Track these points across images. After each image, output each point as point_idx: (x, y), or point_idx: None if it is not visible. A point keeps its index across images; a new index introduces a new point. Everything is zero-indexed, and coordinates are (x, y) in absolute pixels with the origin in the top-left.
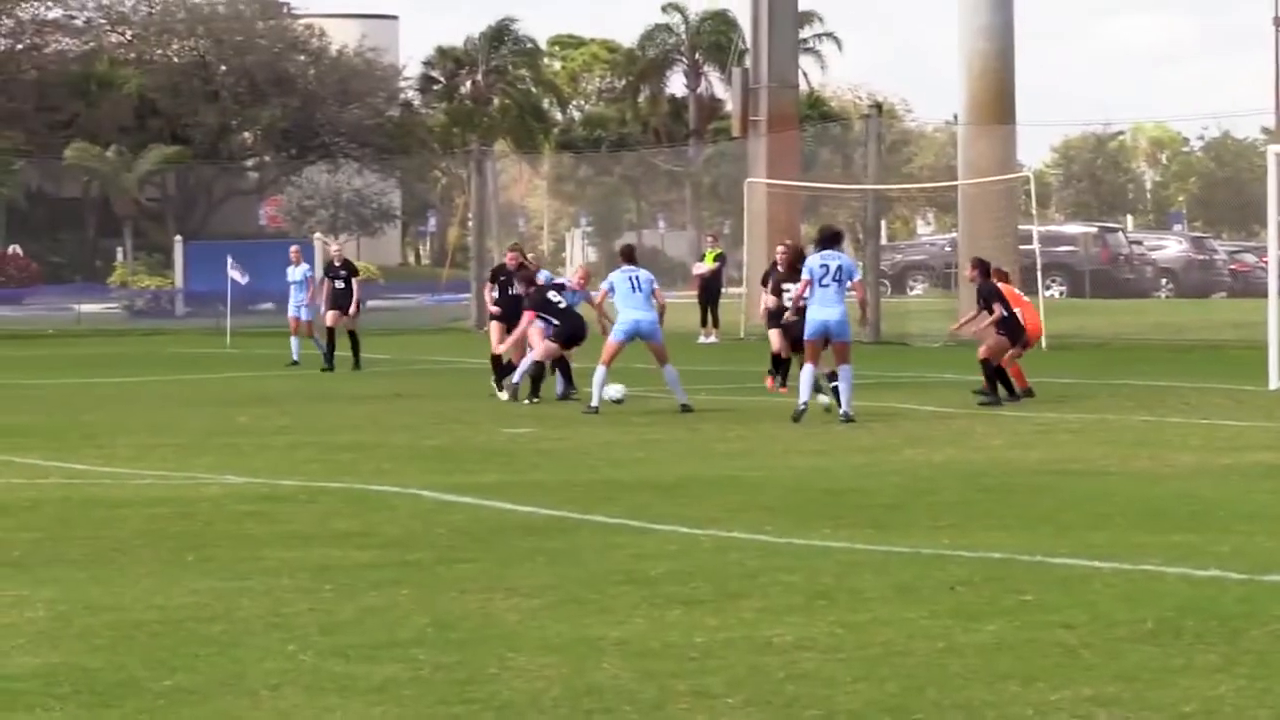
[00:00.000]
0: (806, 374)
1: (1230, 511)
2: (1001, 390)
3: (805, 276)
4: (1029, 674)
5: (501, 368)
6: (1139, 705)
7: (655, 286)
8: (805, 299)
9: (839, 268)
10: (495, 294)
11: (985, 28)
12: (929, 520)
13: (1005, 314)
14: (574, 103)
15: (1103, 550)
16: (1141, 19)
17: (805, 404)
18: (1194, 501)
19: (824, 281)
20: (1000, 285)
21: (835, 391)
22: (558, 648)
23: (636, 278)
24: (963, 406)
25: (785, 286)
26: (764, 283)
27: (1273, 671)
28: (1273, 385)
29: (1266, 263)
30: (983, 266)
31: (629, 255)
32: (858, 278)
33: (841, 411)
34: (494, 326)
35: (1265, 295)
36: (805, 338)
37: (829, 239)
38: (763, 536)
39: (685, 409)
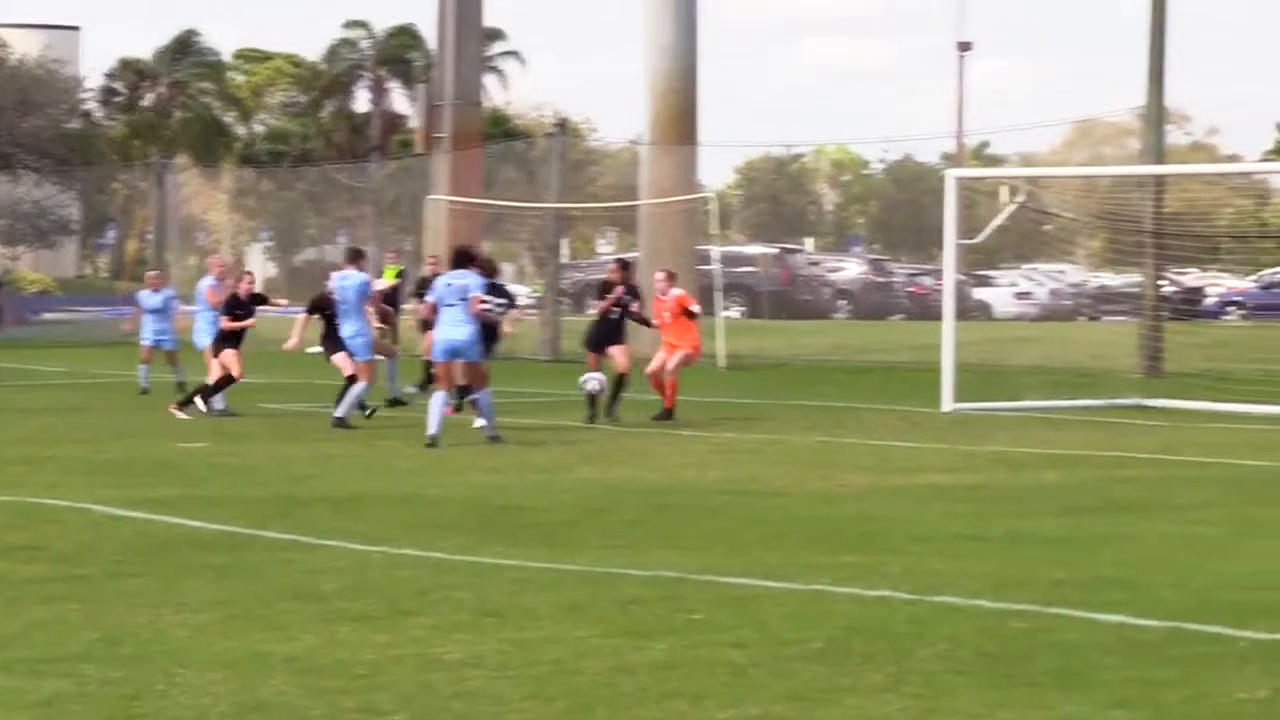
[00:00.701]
0: (436, 400)
1: (901, 532)
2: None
3: (429, 298)
4: (698, 692)
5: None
6: None
7: (472, 294)
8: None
9: (464, 287)
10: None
11: (668, 47)
12: (602, 539)
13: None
14: (257, 116)
15: (774, 570)
16: (828, 42)
17: (436, 433)
18: (866, 522)
19: (448, 301)
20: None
21: (474, 404)
22: (227, 663)
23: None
24: (640, 425)
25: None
26: (418, 294)
27: (939, 691)
28: (945, 407)
29: (943, 286)
30: (672, 278)
31: (458, 258)
32: (473, 295)
33: (488, 433)
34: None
35: (941, 318)
36: (435, 359)
37: (459, 259)
38: (435, 554)
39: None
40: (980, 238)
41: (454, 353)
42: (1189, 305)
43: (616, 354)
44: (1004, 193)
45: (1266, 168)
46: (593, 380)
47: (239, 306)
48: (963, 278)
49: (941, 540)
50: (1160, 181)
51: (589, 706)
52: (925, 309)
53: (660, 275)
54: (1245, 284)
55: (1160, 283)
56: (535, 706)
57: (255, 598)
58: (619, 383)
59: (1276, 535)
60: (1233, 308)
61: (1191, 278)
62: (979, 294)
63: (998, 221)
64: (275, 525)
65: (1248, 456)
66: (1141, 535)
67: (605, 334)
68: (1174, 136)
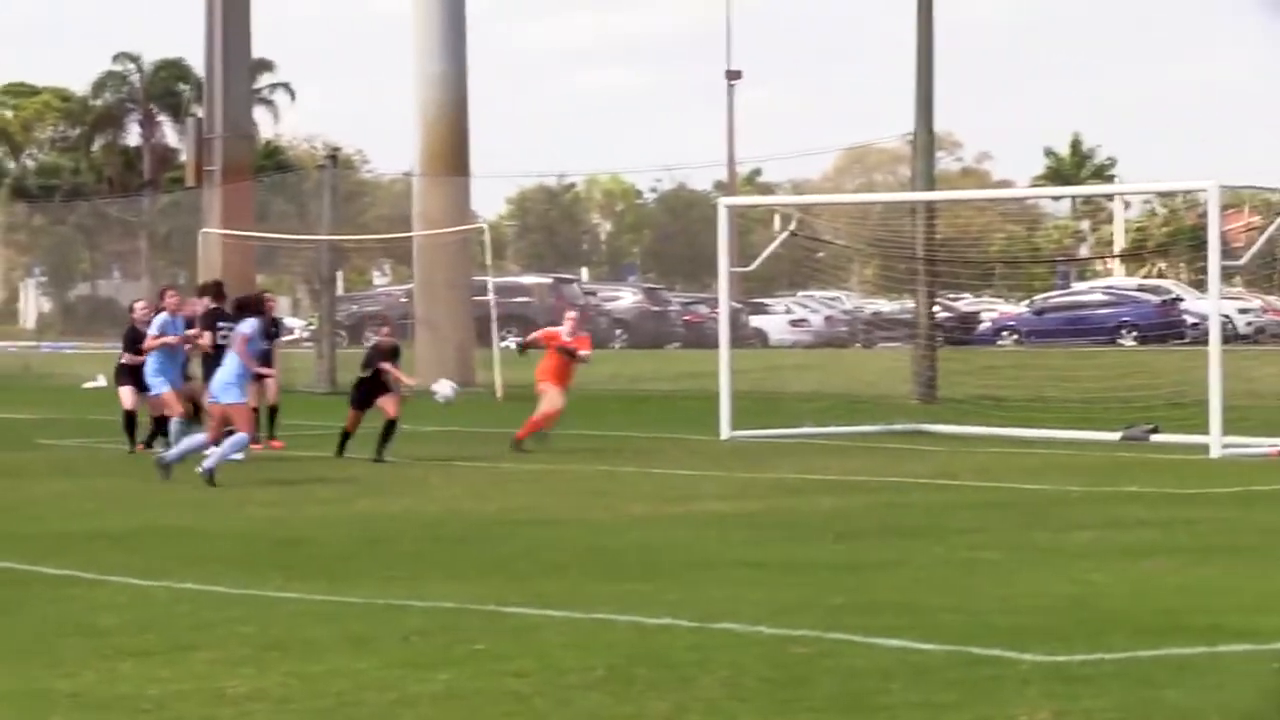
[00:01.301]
0: (193, 438)
1: (681, 560)
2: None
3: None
4: None
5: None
6: None
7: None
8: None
9: (235, 329)
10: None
11: (438, 77)
12: (382, 570)
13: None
14: (27, 151)
15: (555, 599)
16: (602, 73)
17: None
18: (646, 551)
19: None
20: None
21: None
22: (5, 699)
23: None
24: (421, 457)
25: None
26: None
27: (721, 717)
28: (723, 435)
29: (718, 314)
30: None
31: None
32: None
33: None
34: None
35: (717, 346)
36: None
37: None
38: (216, 587)
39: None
40: (754, 265)
41: (220, 392)
42: (963, 331)
43: (386, 402)
44: (777, 220)
45: (1037, 193)
46: (445, 387)
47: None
48: (738, 305)
49: (721, 567)
50: (931, 208)
51: None
52: (701, 337)
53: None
54: (1018, 309)
55: (933, 309)
56: None
57: (34, 634)
58: (389, 428)
59: (1053, 558)
60: (1006, 333)
61: (965, 304)
62: (755, 321)
63: (771, 249)
64: (52, 561)
65: (1023, 480)
66: (920, 560)
67: (372, 389)
68: (945, 162)
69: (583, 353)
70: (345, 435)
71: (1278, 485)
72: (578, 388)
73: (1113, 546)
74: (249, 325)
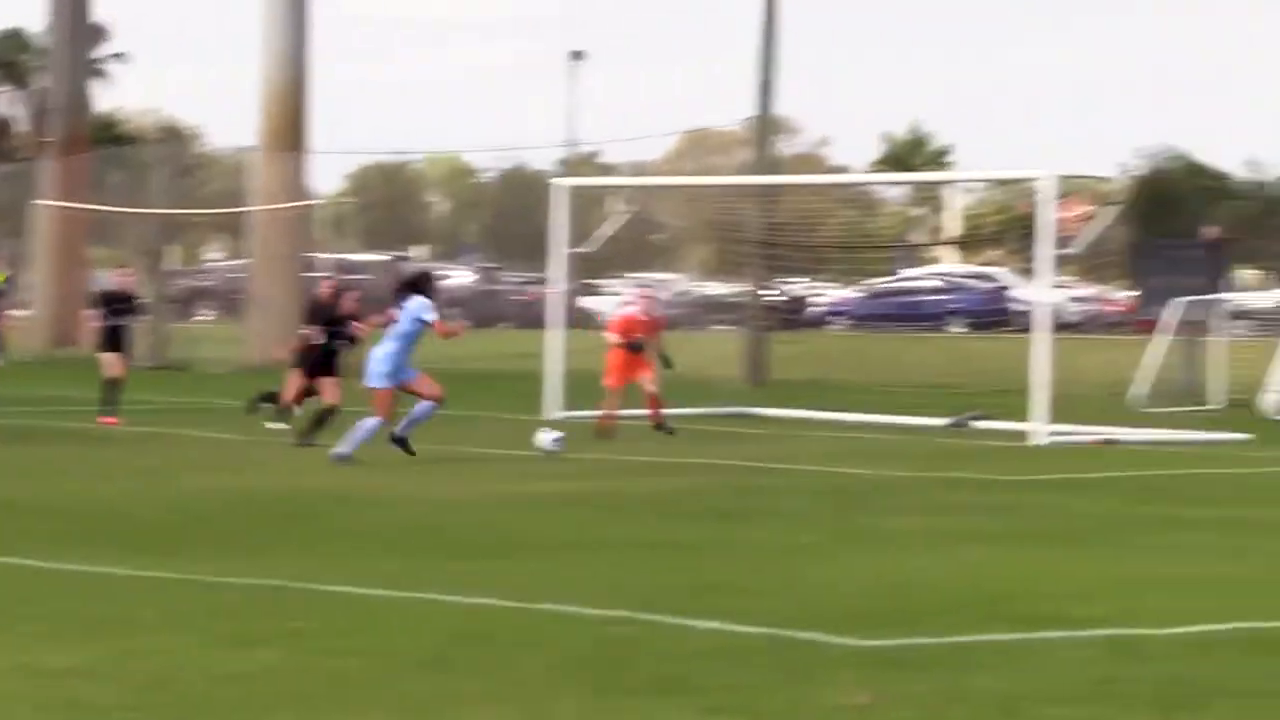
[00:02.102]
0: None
1: (507, 540)
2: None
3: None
4: (304, 702)
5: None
6: None
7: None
8: None
9: None
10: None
11: (280, 54)
12: (207, 546)
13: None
14: None
15: (383, 578)
16: (444, 50)
17: None
18: (472, 530)
19: None
20: None
21: None
22: None
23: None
24: (247, 432)
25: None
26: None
27: (543, 699)
28: (553, 415)
29: (551, 294)
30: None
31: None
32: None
33: None
34: None
35: (551, 326)
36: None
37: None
38: (35, 561)
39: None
40: (590, 246)
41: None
42: (795, 314)
43: (327, 385)
44: (614, 202)
45: (873, 179)
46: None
47: None
48: (572, 286)
49: (547, 548)
50: (768, 192)
51: (191, 716)
52: (534, 318)
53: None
54: (851, 294)
55: (767, 292)
56: (138, 716)
57: None
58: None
59: (874, 543)
60: (838, 317)
61: (799, 287)
62: (588, 303)
63: (608, 230)
64: None
65: (848, 465)
66: (743, 543)
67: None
68: (783, 147)
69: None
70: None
71: (1101, 473)
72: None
73: (935, 532)
74: (418, 305)
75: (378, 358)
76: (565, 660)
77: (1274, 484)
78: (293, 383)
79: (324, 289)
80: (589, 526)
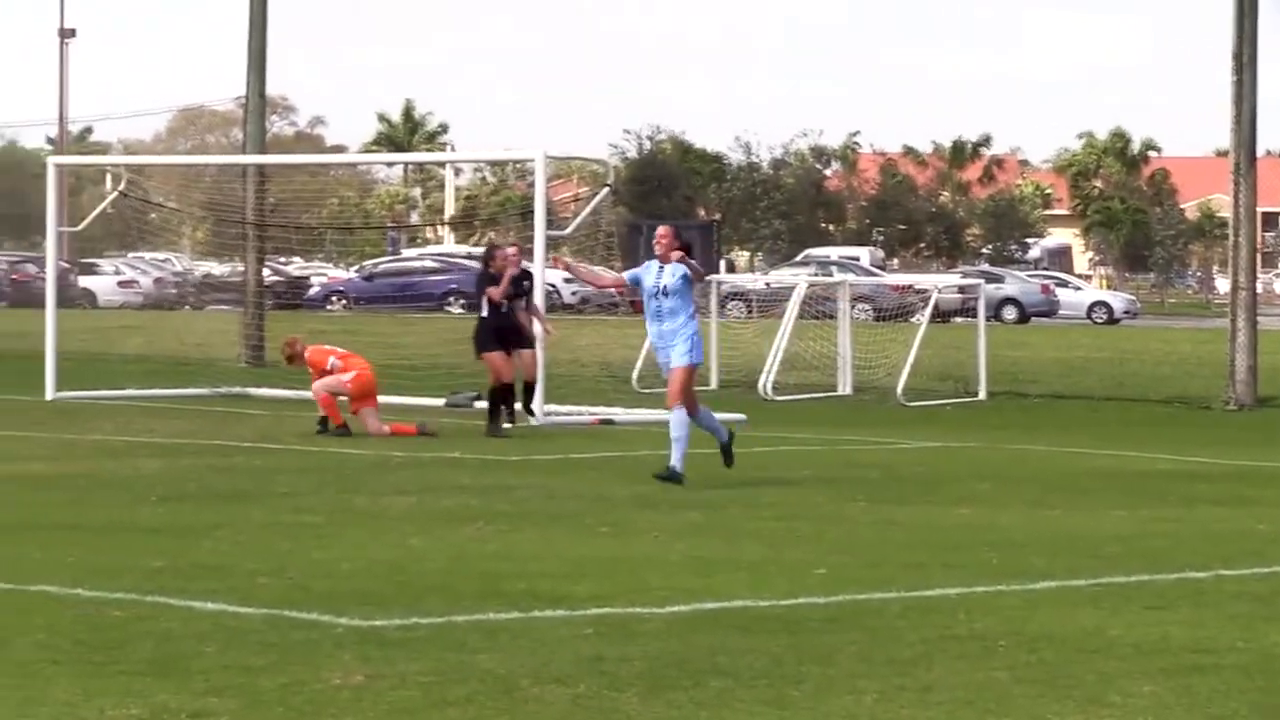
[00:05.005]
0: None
1: None
2: None
3: None
4: None
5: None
6: None
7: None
8: None
9: None
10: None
11: None
12: None
13: None
14: None
15: None
16: None
17: None
18: None
19: None
20: None
21: None
22: None
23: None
24: None
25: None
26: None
27: (36, 681)
28: (48, 395)
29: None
30: None
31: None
32: None
33: None
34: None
35: (44, 305)
36: None
37: None
38: None
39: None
40: (83, 225)
41: None
42: (293, 295)
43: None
44: (108, 180)
45: (369, 159)
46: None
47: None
48: (66, 265)
49: (41, 529)
50: (263, 171)
51: None
52: (29, 296)
53: None
54: (348, 274)
55: (263, 272)
56: None
57: None
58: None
59: (373, 523)
60: (336, 298)
61: (295, 268)
62: (84, 282)
63: (100, 209)
64: None
65: (345, 445)
66: (242, 523)
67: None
68: (279, 126)
69: None
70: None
71: (596, 453)
72: None
73: (432, 512)
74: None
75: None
76: (60, 642)
77: (766, 463)
78: None
79: None
80: (83, 508)
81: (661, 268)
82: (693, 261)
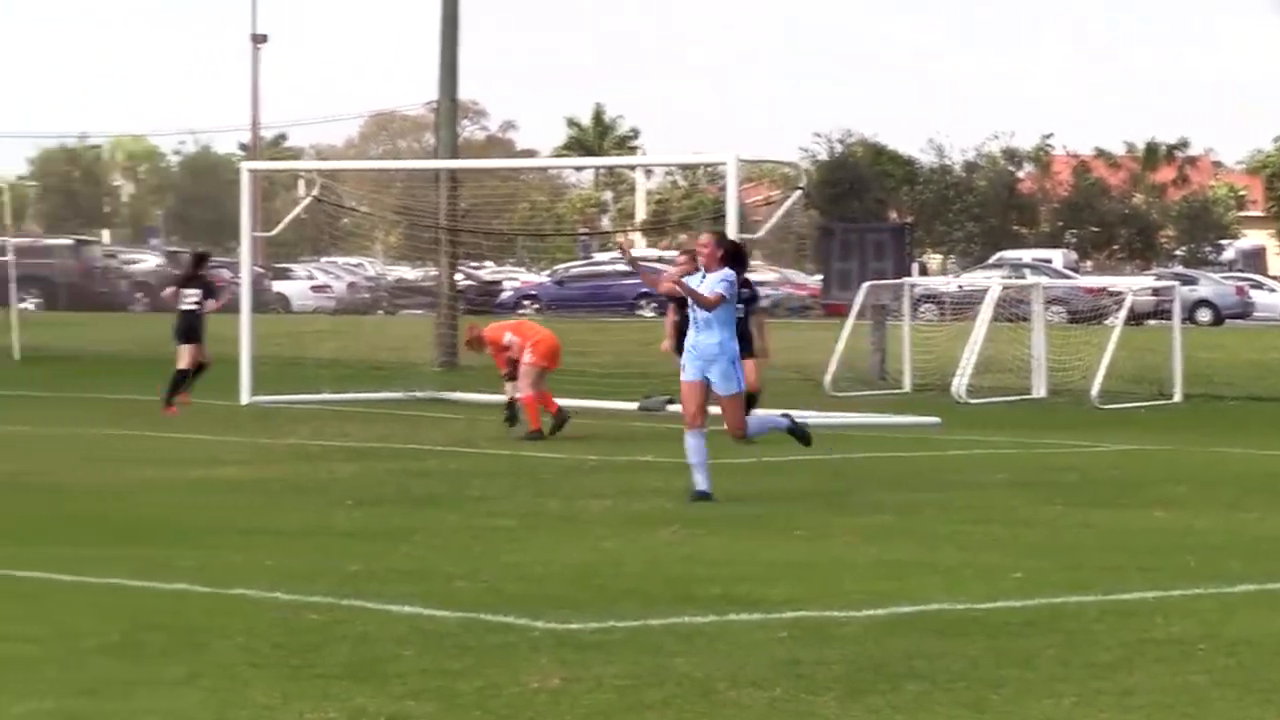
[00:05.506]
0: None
1: (197, 525)
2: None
3: None
4: None
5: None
6: (102, 716)
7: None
8: None
9: None
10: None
11: None
12: None
13: None
14: None
15: (66, 564)
16: (127, 31)
17: None
18: (162, 515)
19: None
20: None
21: None
22: None
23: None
24: None
25: None
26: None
27: (235, 684)
28: (244, 400)
29: (240, 278)
30: None
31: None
32: None
33: None
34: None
35: (239, 310)
36: None
37: None
38: None
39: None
40: (276, 230)
41: None
42: (485, 299)
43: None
44: (301, 186)
45: (560, 163)
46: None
47: None
48: (260, 270)
49: (238, 533)
50: (455, 176)
51: None
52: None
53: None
54: (540, 278)
55: (455, 277)
56: None
57: None
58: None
59: (567, 526)
60: (528, 302)
61: (488, 272)
62: (277, 287)
63: (294, 214)
64: None
65: (540, 449)
66: (437, 527)
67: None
68: (470, 131)
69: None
70: None
71: (787, 456)
72: (94, 350)
73: (626, 515)
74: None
75: None
76: (258, 645)
77: (960, 466)
78: None
79: None
80: (279, 512)
81: (704, 277)
82: (686, 283)
